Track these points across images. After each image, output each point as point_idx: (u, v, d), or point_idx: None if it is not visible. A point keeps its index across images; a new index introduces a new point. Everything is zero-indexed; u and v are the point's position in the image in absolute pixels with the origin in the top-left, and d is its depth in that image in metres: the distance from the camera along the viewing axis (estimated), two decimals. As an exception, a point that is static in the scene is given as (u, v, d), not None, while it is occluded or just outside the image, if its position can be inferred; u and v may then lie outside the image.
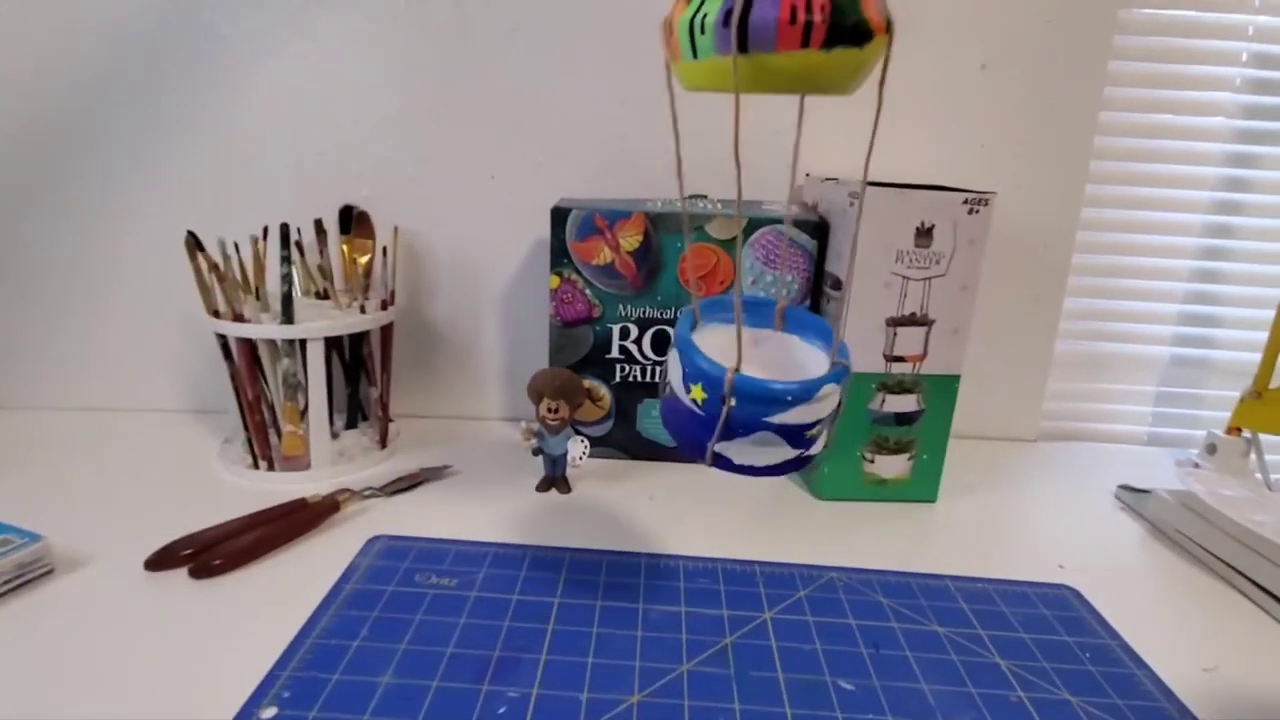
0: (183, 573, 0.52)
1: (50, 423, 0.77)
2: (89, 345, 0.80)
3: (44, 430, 0.75)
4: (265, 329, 0.62)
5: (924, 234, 0.61)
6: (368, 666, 0.44)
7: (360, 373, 0.74)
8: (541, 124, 0.75)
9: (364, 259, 0.74)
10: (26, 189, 0.75)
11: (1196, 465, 0.78)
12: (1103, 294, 0.83)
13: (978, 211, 0.61)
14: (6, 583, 0.49)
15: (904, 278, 0.62)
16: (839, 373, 0.40)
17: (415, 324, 0.81)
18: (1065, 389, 0.86)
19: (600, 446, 0.73)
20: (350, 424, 0.76)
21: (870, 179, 0.41)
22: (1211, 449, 0.78)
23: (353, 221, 0.74)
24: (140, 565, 0.52)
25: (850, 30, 0.31)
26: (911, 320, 0.63)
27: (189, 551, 0.53)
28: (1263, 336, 0.68)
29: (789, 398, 0.37)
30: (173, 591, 0.50)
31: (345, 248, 0.75)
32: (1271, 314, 0.68)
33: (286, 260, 0.61)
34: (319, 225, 0.73)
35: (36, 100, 0.72)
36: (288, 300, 0.62)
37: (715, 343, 0.40)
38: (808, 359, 0.44)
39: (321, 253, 0.73)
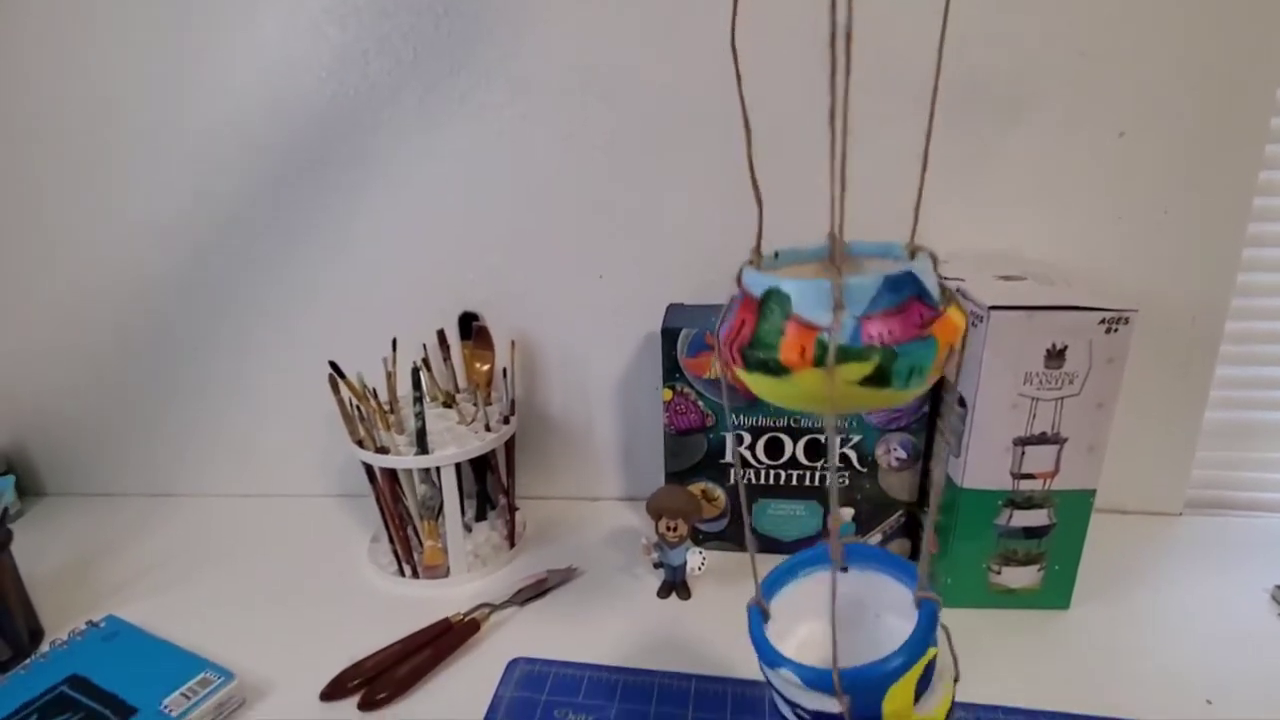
0: (351, 704, 0.58)
1: (219, 509, 0.87)
2: (251, 437, 0.88)
3: (214, 518, 0.86)
4: (404, 460, 0.66)
5: (1055, 355, 0.58)
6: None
7: (487, 470, 0.79)
8: (645, 222, 0.75)
9: (484, 367, 0.77)
10: (194, 306, 0.83)
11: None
12: (1259, 361, 0.76)
13: (1116, 330, 0.57)
14: (213, 721, 0.57)
15: (1033, 399, 0.59)
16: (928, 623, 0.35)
17: (531, 414, 0.84)
18: (1215, 457, 0.80)
19: (716, 541, 0.75)
20: (480, 515, 0.81)
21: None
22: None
23: (473, 332, 0.78)
24: (315, 696, 0.59)
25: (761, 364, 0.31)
26: (1042, 439, 0.60)
27: (356, 682, 0.60)
28: None
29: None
30: (347, 724, 0.57)
31: (467, 353, 0.78)
32: None
33: (419, 400, 0.66)
34: (441, 336, 0.77)
35: (201, 225, 0.80)
36: (421, 434, 0.66)
37: (790, 612, 0.39)
38: (884, 597, 0.40)
39: (445, 361, 0.77)
